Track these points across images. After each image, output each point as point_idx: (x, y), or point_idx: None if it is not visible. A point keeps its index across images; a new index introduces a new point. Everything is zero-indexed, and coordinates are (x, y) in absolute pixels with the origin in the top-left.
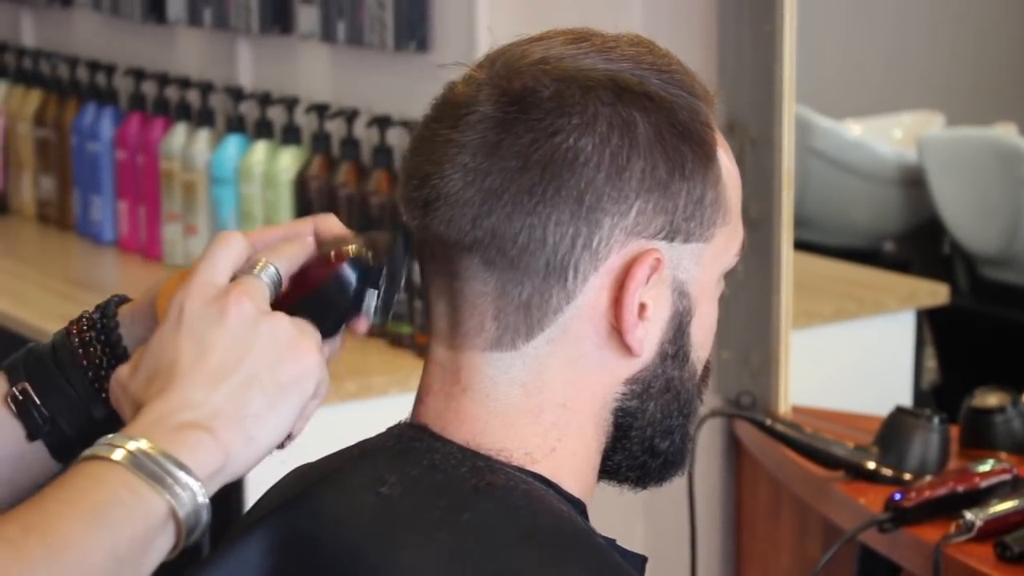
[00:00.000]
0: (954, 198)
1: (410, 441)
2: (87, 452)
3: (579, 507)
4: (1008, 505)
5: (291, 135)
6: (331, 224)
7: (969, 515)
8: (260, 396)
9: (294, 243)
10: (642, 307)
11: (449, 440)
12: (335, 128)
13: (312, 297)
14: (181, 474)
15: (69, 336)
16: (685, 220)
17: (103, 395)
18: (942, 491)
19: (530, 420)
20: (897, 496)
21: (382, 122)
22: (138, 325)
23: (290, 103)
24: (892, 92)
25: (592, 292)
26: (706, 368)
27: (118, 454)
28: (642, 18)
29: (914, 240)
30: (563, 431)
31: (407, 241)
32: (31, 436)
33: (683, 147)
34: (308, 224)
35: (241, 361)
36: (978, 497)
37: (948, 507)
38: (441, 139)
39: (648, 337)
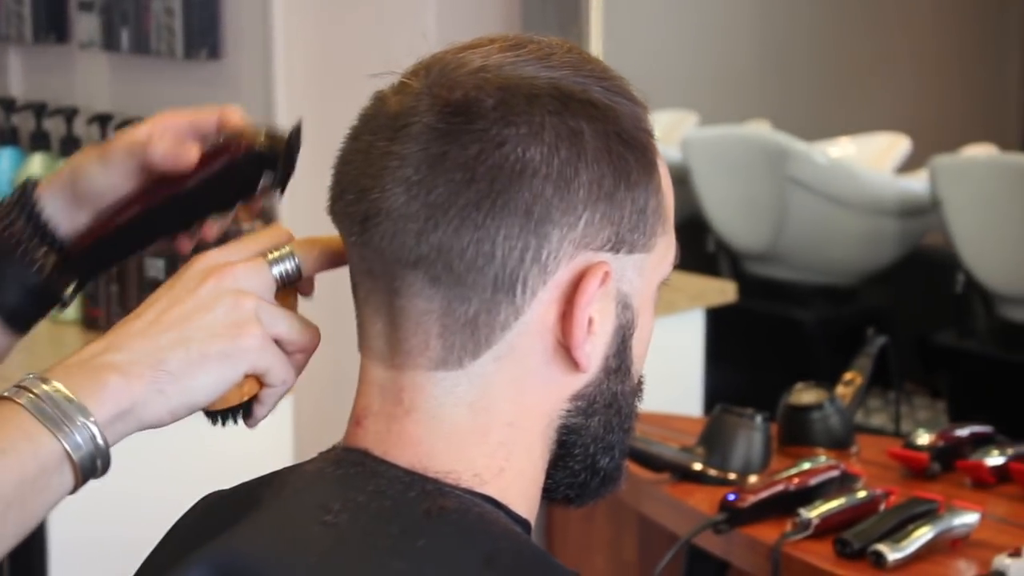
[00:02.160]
0: (719, 196)
1: (351, 466)
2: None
3: (527, 528)
4: (841, 501)
5: (71, 147)
6: (235, 115)
7: (805, 513)
8: (183, 357)
9: (333, 244)
10: (589, 321)
11: (393, 464)
12: None
13: (212, 177)
14: (79, 418)
15: None
16: (630, 231)
17: (33, 266)
18: (775, 490)
19: (477, 440)
20: (731, 497)
21: None
22: (57, 196)
23: (68, 114)
24: (644, 91)
25: (540, 307)
26: (639, 382)
27: (25, 398)
28: (436, 22)
29: (676, 238)
30: (510, 451)
31: (298, 132)
32: None
33: (628, 156)
34: (214, 116)
35: (188, 323)
36: (809, 495)
37: (781, 506)
38: (378, 151)
39: (594, 352)
